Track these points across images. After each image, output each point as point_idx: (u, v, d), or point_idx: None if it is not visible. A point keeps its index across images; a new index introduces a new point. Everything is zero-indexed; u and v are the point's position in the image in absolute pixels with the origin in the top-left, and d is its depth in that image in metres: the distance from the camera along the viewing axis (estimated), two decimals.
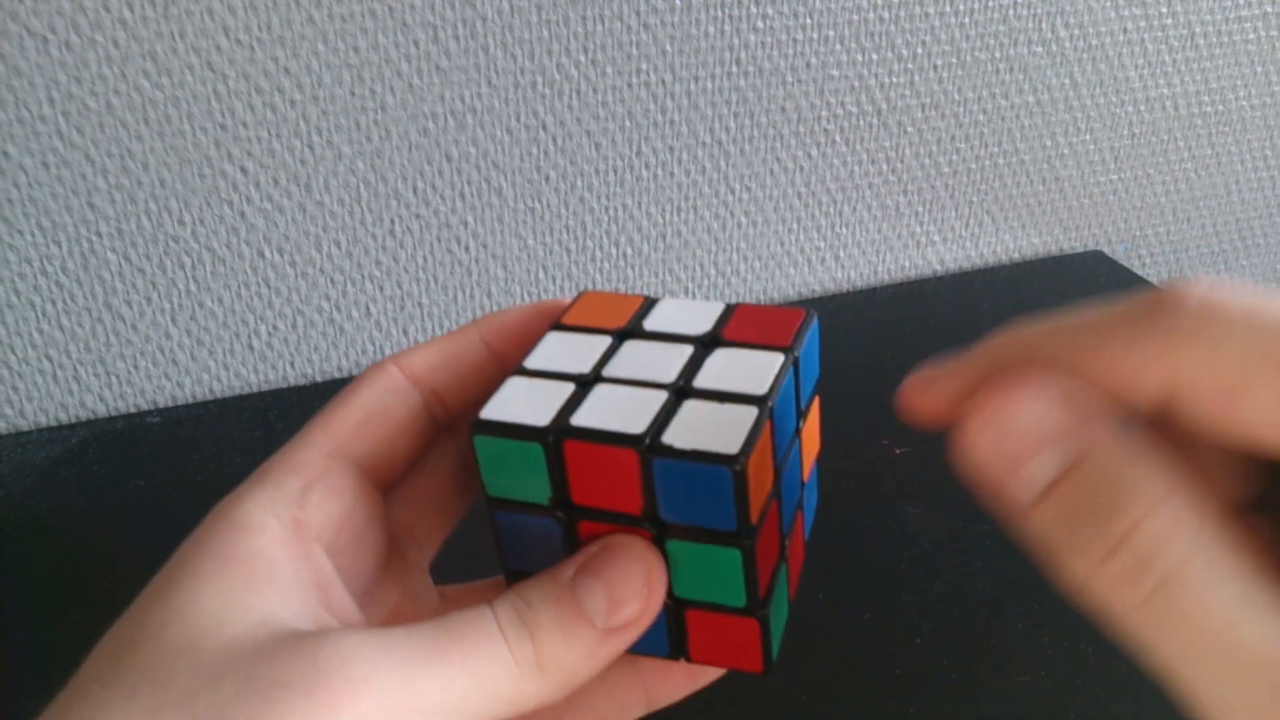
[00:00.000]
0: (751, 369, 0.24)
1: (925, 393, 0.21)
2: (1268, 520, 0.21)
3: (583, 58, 0.56)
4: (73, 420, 0.57)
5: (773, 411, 0.23)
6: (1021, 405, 0.19)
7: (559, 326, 0.26)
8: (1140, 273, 0.75)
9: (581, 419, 0.23)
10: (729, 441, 0.21)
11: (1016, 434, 0.19)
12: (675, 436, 0.22)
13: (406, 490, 0.27)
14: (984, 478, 0.19)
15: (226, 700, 0.19)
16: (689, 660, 0.25)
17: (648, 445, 0.22)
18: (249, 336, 0.58)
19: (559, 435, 0.22)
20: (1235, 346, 0.18)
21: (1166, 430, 0.20)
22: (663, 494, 0.22)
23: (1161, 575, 0.17)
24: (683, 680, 0.26)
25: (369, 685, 0.19)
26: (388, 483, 0.26)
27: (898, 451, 0.53)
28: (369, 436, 0.25)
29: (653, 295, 0.28)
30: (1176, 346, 0.18)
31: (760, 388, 0.23)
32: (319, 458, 0.24)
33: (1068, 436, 0.19)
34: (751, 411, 0.22)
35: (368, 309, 0.60)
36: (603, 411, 0.23)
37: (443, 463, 0.28)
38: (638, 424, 0.22)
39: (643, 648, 0.24)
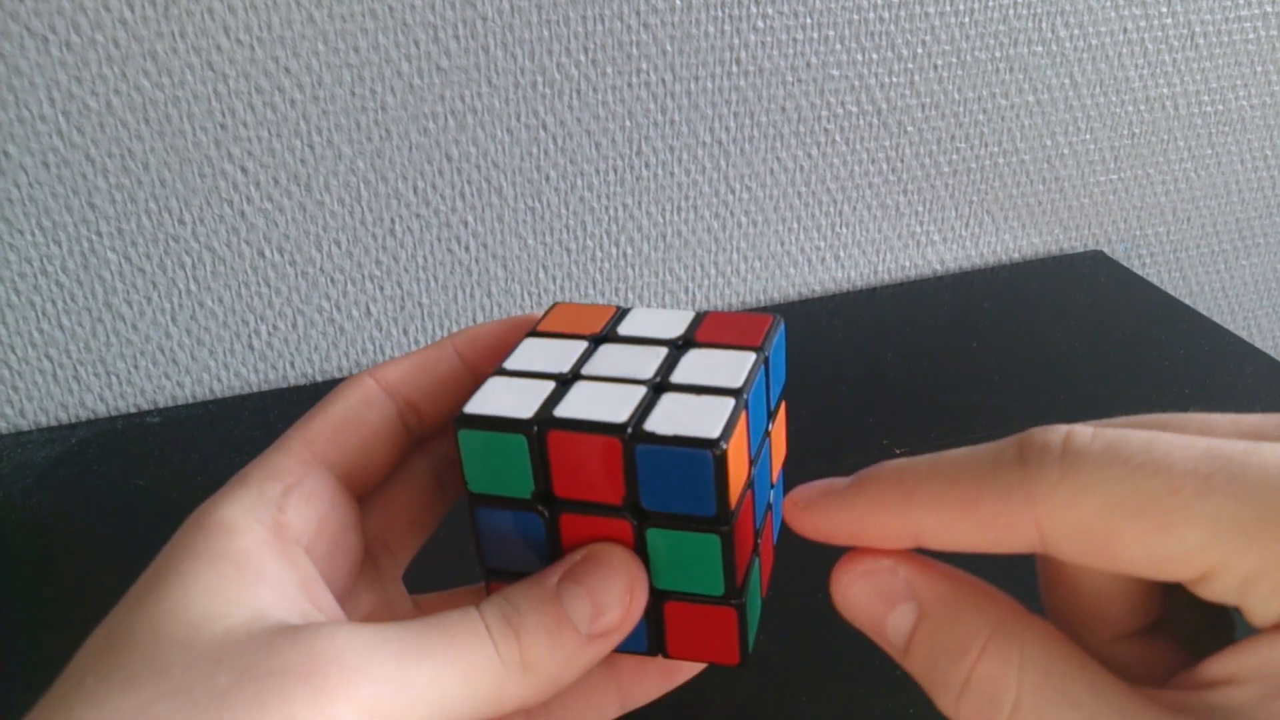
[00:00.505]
0: (725, 366, 0.25)
1: (804, 514, 0.23)
2: (1170, 640, 0.22)
3: (583, 58, 0.56)
4: (73, 420, 0.57)
5: (748, 404, 0.24)
6: (876, 565, 0.21)
7: (534, 333, 0.27)
8: (1140, 273, 0.75)
9: (564, 411, 0.23)
10: (709, 427, 0.22)
11: (873, 592, 0.21)
12: (657, 424, 0.23)
13: (380, 501, 0.27)
14: (867, 630, 0.22)
15: (223, 689, 0.19)
16: (666, 656, 0.25)
17: (630, 433, 0.22)
18: (249, 336, 0.58)
19: (543, 426, 0.23)
20: (1098, 498, 0.18)
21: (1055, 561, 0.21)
22: (645, 481, 0.23)
23: (1010, 707, 0.19)
24: (657, 680, 0.27)
25: (364, 675, 0.20)
26: (363, 491, 0.26)
27: (897, 451, 0.52)
28: (344, 444, 0.25)
29: (634, 302, 0.28)
30: (1041, 503, 0.19)
31: (735, 381, 0.24)
32: (297, 464, 0.24)
33: (912, 590, 0.21)
34: (729, 402, 0.23)
35: (368, 309, 0.60)
36: (584, 404, 0.23)
37: (417, 474, 0.28)
38: (619, 414, 0.23)
39: (622, 645, 0.24)
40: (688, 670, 0.27)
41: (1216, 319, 0.78)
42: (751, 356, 0.25)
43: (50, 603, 0.44)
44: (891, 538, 0.21)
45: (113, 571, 0.44)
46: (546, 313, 0.28)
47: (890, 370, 0.60)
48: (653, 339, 0.26)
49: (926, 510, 0.20)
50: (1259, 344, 0.82)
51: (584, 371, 0.25)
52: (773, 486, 0.28)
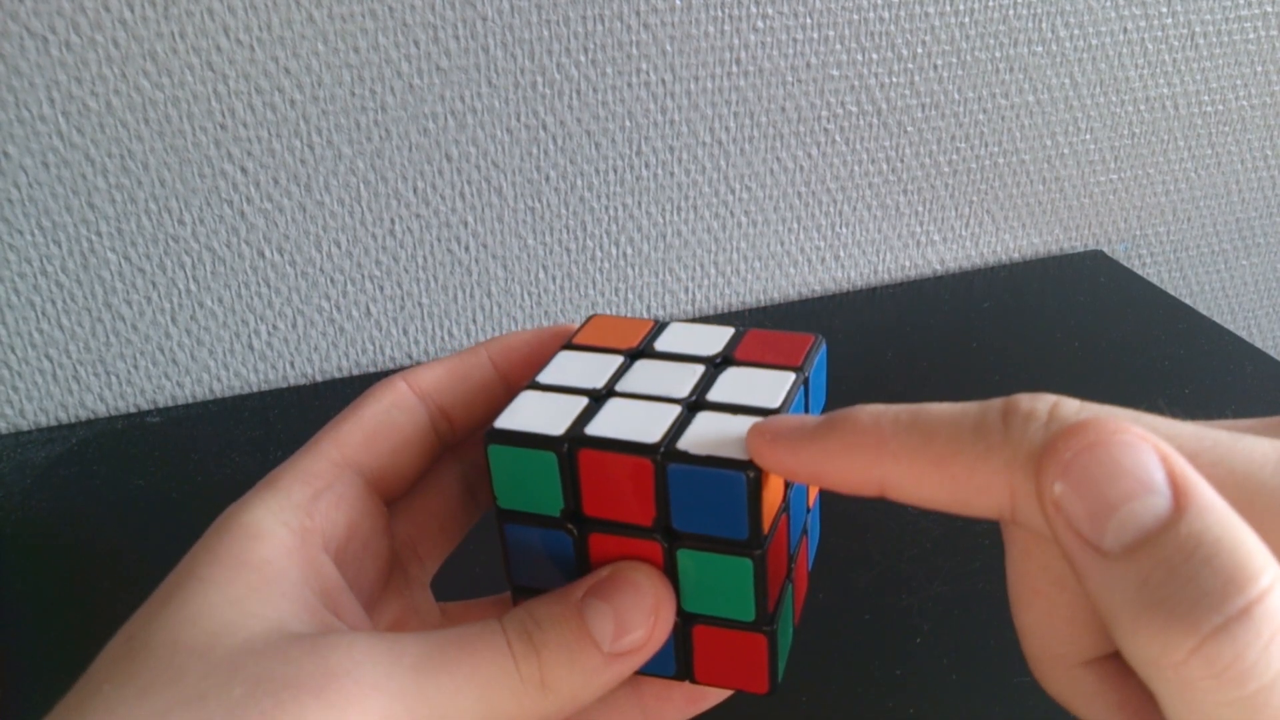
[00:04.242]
0: (763, 385, 0.24)
1: (769, 447, 0.21)
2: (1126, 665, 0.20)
3: (583, 58, 0.56)
4: (73, 420, 0.57)
5: None
6: (1131, 441, 0.17)
7: (570, 346, 0.26)
8: (1140, 273, 0.75)
9: (596, 429, 0.23)
10: (743, 449, 0.22)
11: (1128, 467, 0.17)
12: (690, 444, 0.22)
13: (410, 506, 0.27)
14: (1067, 510, 0.17)
15: (237, 700, 0.19)
16: (694, 681, 0.25)
17: (663, 453, 0.22)
18: (249, 336, 0.58)
19: (574, 444, 0.22)
20: None
21: None
22: (676, 502, 0.22)
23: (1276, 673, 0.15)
24: (683, 703, 0.26)
25: (378, 690, 0.19)
26: (393, 496, 0.26)
27: None
28: (376, 449, 0.25)
29: (660, 308, 0.28)
30: (1020, 469, 0.18)
31: (773, 401, 0.23)
32: (328, 467, 0.24)
33: (1173, 483, 0.16)
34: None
35: (368, 309, 0.60)
36: (617, 422, 0.23)
37: (447, 481, 0.28)
38: (652, 434, 0.22)
39: (648, 667, 0.24)
40: (715, 694, 0.26)
41: (1216, 319, 0.78)
42: (791, 376, 0.24)
43: (50, 603, 0.44)
44: (855, 483, 0.20)
45: (113, 571, 0.45)
46: (583, 325, 0.27)
47: (890, 370, 0.60)
48: (690, 355, 0.25)
49: (898, 460, 0.19)
50: (1259, 344, 0.82)
51: (618, 388, 0.24)
52: (809, 511, 0.27)
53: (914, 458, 0.19)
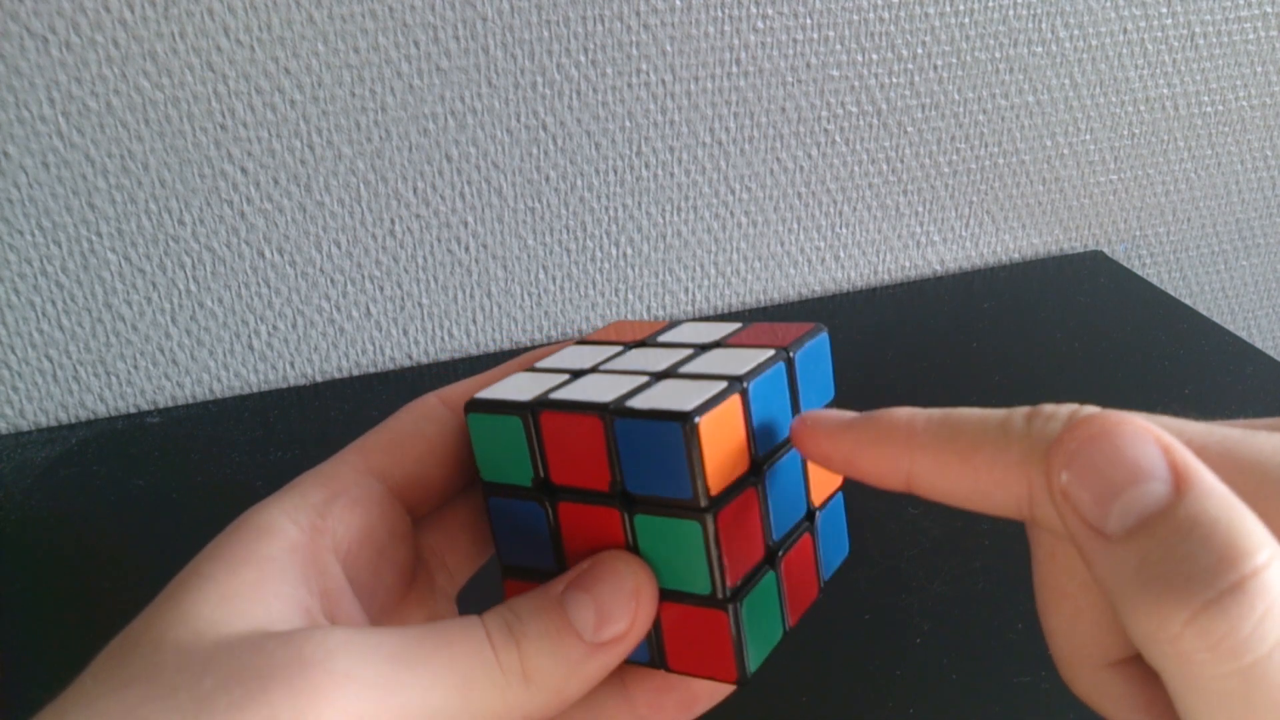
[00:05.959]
0: (737, 360, 0.24)
1: (809, 432, 0.23)
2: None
3: (583, 58, 0.56)
4: (73, 420, 0.57)
5: (748, 392, 0.23)
6: (1133, 432, 0.18)
7: (580, 342, 0.27)
8: (1140, 273, 0.75)
9: (560, 394, 0.23)
10: (690, 404, 0.22)
11: (1122, 457, 0.17)
12: (638, 402, 0.22)
13: (442, 518, 0.27)
14: (1073, 497, 0.18)
15: (206, 692, 0.19)
16: (668, 669, 0.24)
17: (611, 410, 0.22)
18: (249, 336, 0.58)
19: (537, 408, 0.23)
20: None
21: None
22: (626, 461, 0.22)
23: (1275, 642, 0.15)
24: (675, 709, 0.26)
25: (351, 680, 0.19)
26: (421, 505, 0.26)
27: None
28: (401, 457, 0.25)
29: (660, 308, 0.28)
30: (1037, 462, 0.19)
31: (737, 370, 0.23)
32: (349, 472, 0.24)
33: (1174, 470, 0.17)
34: (719, 384, 0.23)
35: (368, 309, 0.60)
36: (583, 390, 0.24)
37: (478, 495, 0.28)
38: (609, 396, 0.23)
39: None
40: (706, 698, 0.26)
41: (1216, 319, 0.78)
42: (768, 352, 0.24)
43: (50, 603, 0.44)
44: (884, 473, 0.21)
45: (112, 571, 0.45)
46: (603, 328, 0.28)
47: (890, 371, 0.60)
48: (685, 344, 0.26)
49: (925, 451, 0.20)
50: (1259, 344, 0.82)
51: (603, 368, 0.25)
52: (818, 509, 0.26)
53: (940, 450, 0.20)
